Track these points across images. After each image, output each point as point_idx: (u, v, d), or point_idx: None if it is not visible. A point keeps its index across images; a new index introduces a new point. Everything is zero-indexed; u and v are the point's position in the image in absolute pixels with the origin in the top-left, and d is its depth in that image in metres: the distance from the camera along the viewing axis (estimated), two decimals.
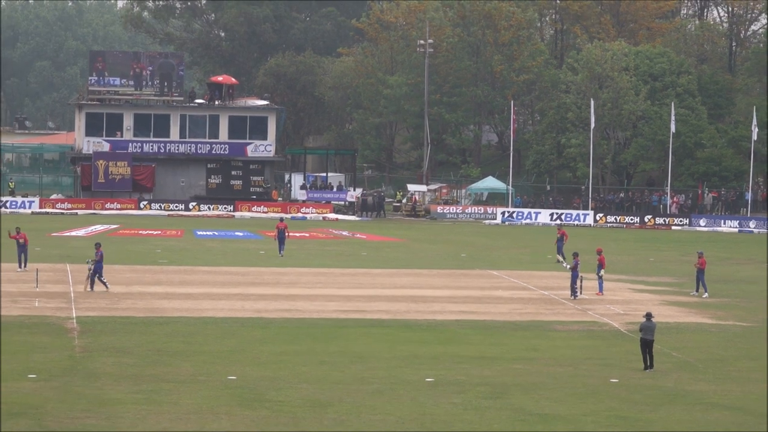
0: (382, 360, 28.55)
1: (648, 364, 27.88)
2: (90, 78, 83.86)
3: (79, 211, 76.37)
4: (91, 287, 38.18)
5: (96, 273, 38.27)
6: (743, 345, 31.85)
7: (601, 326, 34.40)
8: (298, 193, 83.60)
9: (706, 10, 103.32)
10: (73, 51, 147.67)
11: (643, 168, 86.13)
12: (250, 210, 78.55)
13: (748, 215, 77.31)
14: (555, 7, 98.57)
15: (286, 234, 51.48)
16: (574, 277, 39.33)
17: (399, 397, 24.59)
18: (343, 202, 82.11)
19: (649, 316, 28.13)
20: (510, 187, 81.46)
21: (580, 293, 39.45)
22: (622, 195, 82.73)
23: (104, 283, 38.37)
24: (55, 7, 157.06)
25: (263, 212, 78.23)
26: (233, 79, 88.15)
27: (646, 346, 27.88)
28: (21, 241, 43.14)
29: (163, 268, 46.04)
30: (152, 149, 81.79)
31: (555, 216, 77.81)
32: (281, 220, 55.37)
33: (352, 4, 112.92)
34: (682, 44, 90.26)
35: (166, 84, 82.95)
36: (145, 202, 78.41)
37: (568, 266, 42.55)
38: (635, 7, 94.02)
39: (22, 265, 42.82)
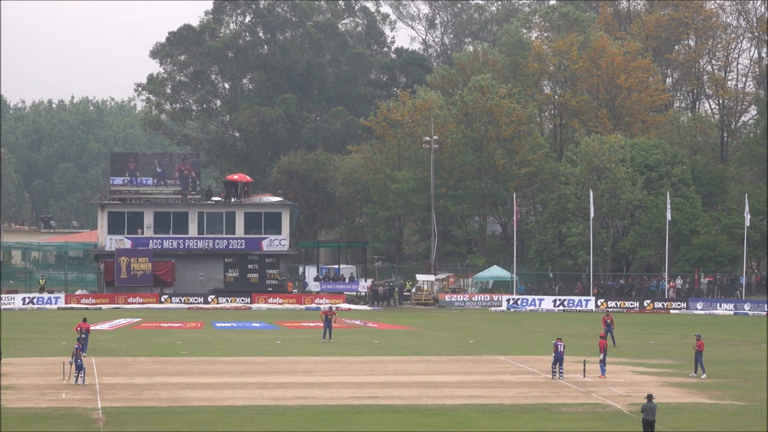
0: None
1: None
2: (121, 178, 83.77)
3: (103, 306, 77.34)
4: (83, 381, 38.80)
5: (79, 368, 38.76)
6: (741, 423, 32.44)
7: (605, 408, 35.02)
8: (312, 285, 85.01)
9: (698, 103, 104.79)
10: (95, 153, 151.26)
11: (641, 254, 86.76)
12: (266, 302, 79.76)
13: (743, 298, 78.52)
14: (554, 103, 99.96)
15: (333, 320, 54.94)
16: (556, 359, 41.03)
17: None
18: (355, 293, 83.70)
19: (650, 397, 28.96)
20: (514, 276, 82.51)
21: (562, 377, 40.81)
22: (621, 281, 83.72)
23: (77, 378, 38.75)
24: (77, 111, 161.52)
25: (279, 303, 79.47)
26: (248, 177, 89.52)
27: (648, 426, 28.55)
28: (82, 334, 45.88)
29: (184, 359, 46.74)
30: (172, 245, 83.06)
31: (558, 302, 79.14)
32: (330, 308, 58.85)
33: (360, 104, 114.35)
34: (675, 136, 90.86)
35: (189, 183, 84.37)
36: (165, 296, 79.55)
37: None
38: (630, 102, 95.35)
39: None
